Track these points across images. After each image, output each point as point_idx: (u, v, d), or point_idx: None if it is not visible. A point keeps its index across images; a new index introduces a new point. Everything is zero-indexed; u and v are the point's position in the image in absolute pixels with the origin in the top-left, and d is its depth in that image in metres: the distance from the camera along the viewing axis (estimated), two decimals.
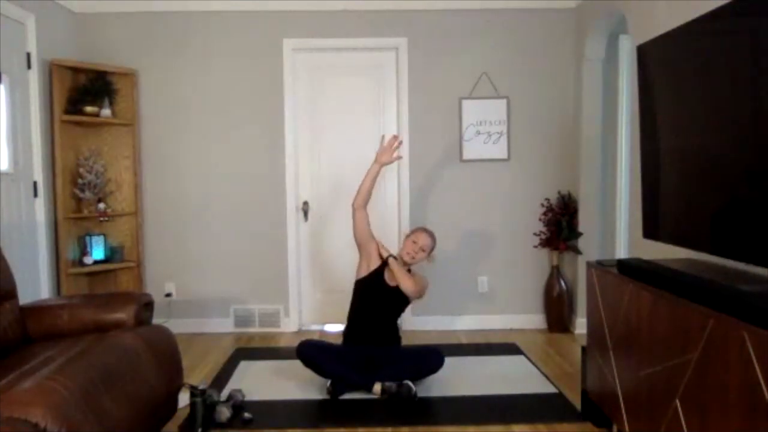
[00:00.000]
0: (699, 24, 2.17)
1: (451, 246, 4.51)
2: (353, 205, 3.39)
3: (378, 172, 3.42)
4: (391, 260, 3.29)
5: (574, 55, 4.45)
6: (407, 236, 3.39)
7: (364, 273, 3.38)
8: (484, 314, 4.55)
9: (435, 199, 4.50)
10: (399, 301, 3.35)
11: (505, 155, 4.48)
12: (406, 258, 3.30)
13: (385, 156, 3.42)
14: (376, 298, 3.33)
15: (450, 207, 4.50)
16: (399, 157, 3.54)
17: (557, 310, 4.42)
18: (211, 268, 4.50)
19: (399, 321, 3.48)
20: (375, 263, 3.36)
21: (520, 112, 4.47)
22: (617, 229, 4.32)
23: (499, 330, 4.48)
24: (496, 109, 4.45)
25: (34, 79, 3.78)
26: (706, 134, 2.15)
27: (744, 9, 1.91)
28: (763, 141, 1.81)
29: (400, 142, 3.51)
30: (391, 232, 4.52)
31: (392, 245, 4.48)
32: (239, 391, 3.03)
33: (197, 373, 3.56)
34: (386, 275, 3.34)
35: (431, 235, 3.38)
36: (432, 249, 3.37)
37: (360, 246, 3.42)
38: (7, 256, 2.71)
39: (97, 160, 4.23)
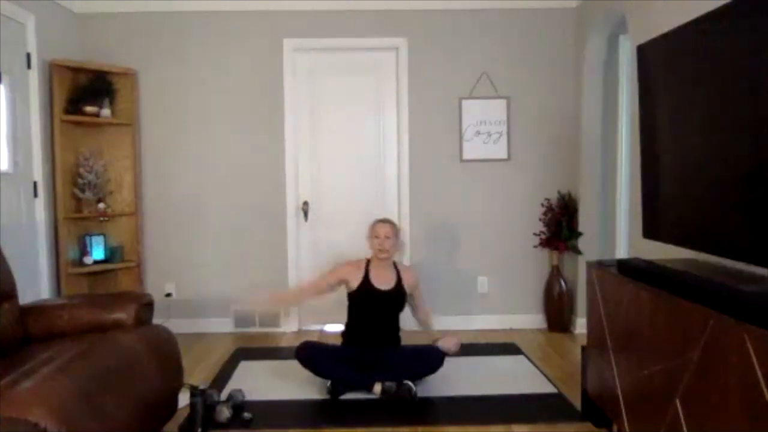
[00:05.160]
0: (699, 24, 2.16)
1: (450, 246, 4.52)
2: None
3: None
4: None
5: (574, 55, 4.45)
6: (368, 237, 3.37)
7: (354, 287, 3.35)
8: (484, 314, 4.55)
9: (435, 199, 4.50)
10: (395, 302, 3.35)
11: (505, 155, 4.48)
12: (380, 255, 3.29)
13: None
14: (373, 306, 3.34)
15: (450, 207, 4.50)
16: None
17: (557, 310, 4.42)
18: (211, 268, 4.50)
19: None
20: (358, 278, 3.32)
21: (520, 112, 4.47)
22: (617, 229, 4.32)
23: (499, 330, 4.48)
24: (496, 109, 4.45)
25: (34, 79, 3.78)
26: (707, 134, 2.15)
27: (744, 9, 1.91)
28: (764, 141, 1.81)
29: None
30: None
31: None
32: (239, 391, 3.02)
33: (197, 373, 3.56)
34: (373, 280, 3.32)
35: (386, 220, 3.37)
36: (397, 233, 3.34)
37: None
38: (7, 256, 2.70)
39: (97, 160, 4.23)
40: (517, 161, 4.50)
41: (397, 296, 3.34)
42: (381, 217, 3.49)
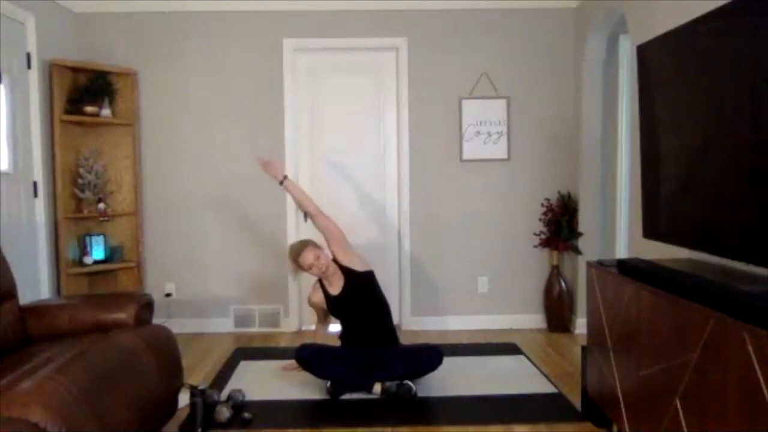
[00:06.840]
0: (699, 24, 2.17)
1: (451, 246, 4.52)
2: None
3: None
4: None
5: (574, 55, 4.45)
6: (303, 271, 3.34)
7: (324, 306, 3.42)
8: (484, 314, 4.54)
9: (435, 199, 4.50)
10: (359, 292, 3.34)
11: (505, 155, 4.48)
12: (327, 273, 3.29)
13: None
14: (345, 309, 3.36)
15: (450, 207, 4.50)
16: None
17: (557, 310, 4.42)
18: (211, 268, 4.50)
19: (397, 321, 3.47)
20: (321, 296, 3.39)
21: (520, 112, 4.47)
22: (617, 229, 4.32)
23: (499, 330, 4.48)
24: (496, 109, 4.45)
25: (34, 79, 3.78)
26: (706, 134, 2.15)
27: (744, 9, 1.91)
28: (763, 140, 1.81)
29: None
30: (391, 234, 4.53)
31: (392, 247, 4.50)
32: (239, 391, 3.03)
33: (197, 373, 3.56)
34: (330, 290, 3.36)
35: (298, 249, 3.31)
36: (316, 246, 3.33)
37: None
38: (7, 256, 2.70)
39: (97, 160, 4.23)
40: (517, 161, 4.50)
41: (355, 285, 3.33)
42: (293, 247, 3.40)
